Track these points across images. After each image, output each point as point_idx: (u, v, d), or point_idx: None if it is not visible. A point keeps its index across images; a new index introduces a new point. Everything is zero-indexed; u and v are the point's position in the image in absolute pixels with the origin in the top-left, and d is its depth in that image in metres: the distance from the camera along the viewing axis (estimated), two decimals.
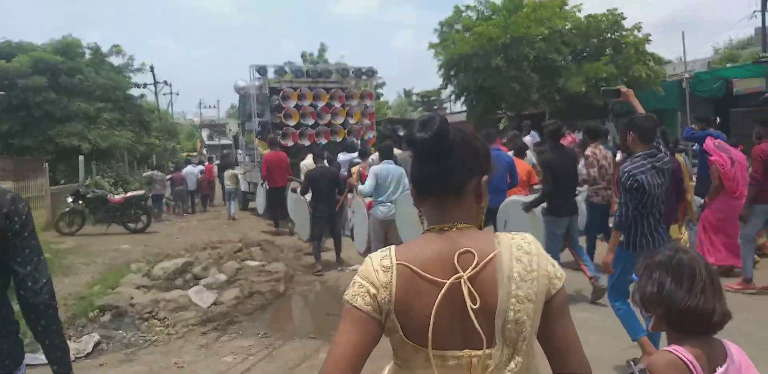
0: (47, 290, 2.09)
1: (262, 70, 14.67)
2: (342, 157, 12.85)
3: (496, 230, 8.12)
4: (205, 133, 62.95)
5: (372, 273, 1.43)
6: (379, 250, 1.50)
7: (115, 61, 24.07)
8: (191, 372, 4.89)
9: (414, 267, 1.41)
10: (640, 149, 4.12)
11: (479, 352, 1.39)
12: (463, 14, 17.31)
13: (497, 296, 1.38)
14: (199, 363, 5.10)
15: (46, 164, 15.21)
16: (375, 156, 9.89)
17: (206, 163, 23.34)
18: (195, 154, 47.26)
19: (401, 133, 22.56)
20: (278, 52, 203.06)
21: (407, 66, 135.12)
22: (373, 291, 1.41)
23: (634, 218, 4.10)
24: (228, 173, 17.51)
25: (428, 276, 1.40)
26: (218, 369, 4.90)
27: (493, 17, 16.60)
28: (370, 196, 7.44)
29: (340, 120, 15.14)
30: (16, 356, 2.16)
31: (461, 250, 1.41)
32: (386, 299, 1.41)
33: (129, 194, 13.83)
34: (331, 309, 6.78)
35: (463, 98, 16.95)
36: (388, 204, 7.28)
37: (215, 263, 9.29)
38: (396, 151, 9.72)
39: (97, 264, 10.04)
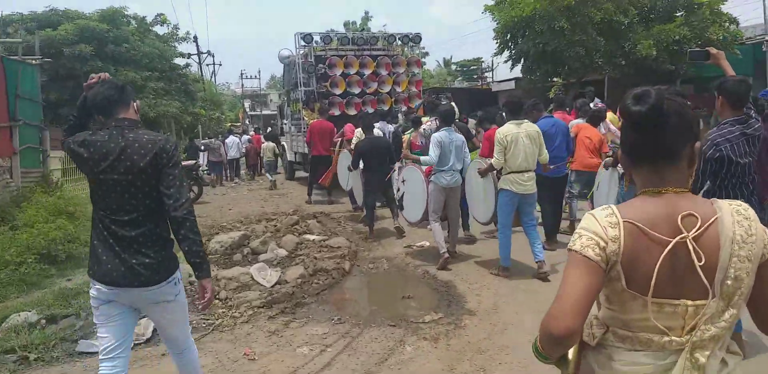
0: (186, 206, 2.78)
1: (307, 38, 14.16)
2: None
3: (576, 194, 7.96)
4: (247, 104, 62.89)
5: (599, 228, 1.58)
6: (600, 208, 1.64)
7: (160, 30, 23.57)
8: (263, 366, 4.27)
9: (640, 225, 1.56)
10: (730, 115, 3.78)
11: (696, 302, 1.54)
12: None
13: (719, 255, 1.52)
14: (271, 354, 4.49)
15: None
16: (427, 125, 9.30)
17: (252, 133, 23.11)
18: (238, 124, 47.09)
19: (444, 102, 22.21)
20: (318, 23, 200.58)
21: (445, 35, 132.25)
22: (602, 244, 1.56)
23: (719, 190, 3.74)
24: (266, 145, 17.49)
25: (654, 234, 1.55)
26: (294, 364, 4.28)
27: None
28: (434, 165, 6.93)
29: (386, 88, 14.60)
30: (171, 266, 2.93)
31: (684, 213, 1.56)
32: (615, 251, 1.56)
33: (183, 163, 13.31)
34: (405, 291, 6.15)
35: (520, 64, 15.83)
36: (452, 171, 6.85)
37: (273, 237, 8.77)
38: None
39: None
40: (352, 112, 13.89)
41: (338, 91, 14.00)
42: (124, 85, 3.03)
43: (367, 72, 14.28)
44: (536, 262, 6.24)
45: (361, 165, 8.80)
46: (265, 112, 69.35)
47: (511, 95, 7.65)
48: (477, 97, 24.59)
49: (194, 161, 14.03)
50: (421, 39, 15.12)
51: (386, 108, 14.44)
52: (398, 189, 8.11)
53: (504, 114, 7.43)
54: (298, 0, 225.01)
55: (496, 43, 15.86)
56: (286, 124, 17.10)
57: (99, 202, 2.87)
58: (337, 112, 14.05)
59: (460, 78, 52.72)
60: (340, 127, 12.18)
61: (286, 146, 16.79)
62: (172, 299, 2.97)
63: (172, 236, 2.87)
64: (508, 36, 15.44)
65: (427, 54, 36.34)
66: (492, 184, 6.70)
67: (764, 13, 15.92)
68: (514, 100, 6.64)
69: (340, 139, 11.41)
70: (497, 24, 15.45)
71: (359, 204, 9.92)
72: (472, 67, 56.15)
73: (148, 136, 2.85)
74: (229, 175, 19.66)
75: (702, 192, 3.75)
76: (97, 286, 2.86)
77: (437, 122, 8.51)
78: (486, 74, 47.82)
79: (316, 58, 14.10)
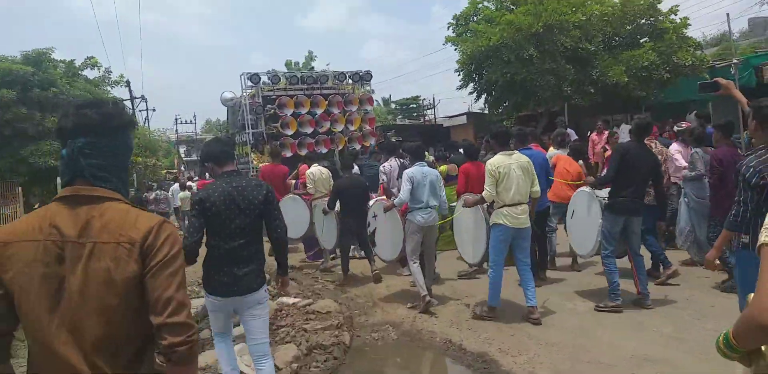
0: (282, 232, 3.93)
1: (254, 78, 13.58)
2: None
3: (554, 228, 7.62)
4: (182, 149, 60.75)
5: None
6: None
7: (90, 74, 21.75)
8: None
9: None
10: (764, 141, 3.57)
11: None
12: (479, 5, 15.45)
13: None
14: None
15: (20, 188, 12.90)
16: (388, 163, 8.63)
17: (197, 179, 21.85)
18: (174, 170, 44.84)
19: (393, 140, 21.43)
20: (257, 65, 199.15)
21: (380, 76, 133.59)
22: None
23: (755, 217, 3.44)
24: (181, 195, 16.67)
25: None
26: None
27: (511, 7, 14.79)
28: (407, 202, 6.49)
29: (339, 127, 14.09)
30: (262, 278, 3.92)
31: None
32: None
33: None
34: (432, 368, 4.81)
35: (483, 97, 14.97)
36: (428, 209, 6.44)
37: None
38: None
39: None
40: (305, 151, 13.03)
41: (290, 132, 13.37)
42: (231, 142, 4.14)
43: (319, 111, 13.72)
44: (528, 307, 5.75)
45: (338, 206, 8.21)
46: None
47: (495, 126, 7.31)
48: (429, 133, 23.91)
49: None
50: (371, 77, 14.71)
51: (340, 147, 13.84)
52: (368, 225, 7.59)
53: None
54: (231, 41, 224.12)
55: (459, 75, 15.01)
56: None
57: (219, 232, 3.73)
58: (289, 154, 13.28)
59: (400, 116, 52.49)
60: (293, 169, 10.80)
61: None
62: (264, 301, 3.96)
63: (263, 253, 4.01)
64: (473, 67, 14.57)
65: (373, 91, 35.38)
66: (482, 220, 6.33)
67: (730, 36, 15.75)
68: (503, 130, 6.35)
69: (294, 181, 10.22)
70: (460, 55, 14.64)
71: (325, 247, 9.01)
72: (411, 105, 56.31)
73: (255, 181, 3.91)
74: (179, 225, 18.06)
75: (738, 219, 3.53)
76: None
77: (398, 160, 8.41)
78: (428, 111, 47.65)
79: (264, 98, 13.44)
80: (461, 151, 9.69)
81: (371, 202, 7.81)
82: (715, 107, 15.34)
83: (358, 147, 14.38)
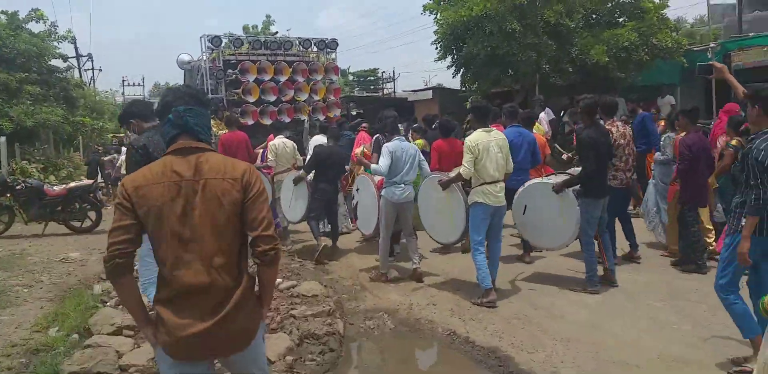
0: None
1: (216, 41, 12.77)
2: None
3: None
4: None
5: None
6: None
7: (35, 28, 20.13)
8: None
9: None
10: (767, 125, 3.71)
11: None
12: None
13: None
14: None
15: None
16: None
17: None
18: (121, 135, 42.94)
19: (354, 113, 20.85)
20: (212, 27, 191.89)
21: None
22: None
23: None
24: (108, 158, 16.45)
25: None
26: None
27: None
28: (383, 176, 6.41)
29: (303, 96, 13.51)
30: None
31: None
32: None
33: (73, 184, 10.63)
34: (441, 370, 4.36)
35: (462, 70, 14.41)
36: (402, 185, 6.34)
37: None
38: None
39: (43, 284, 7.11)
40: (267, 121, 12.70)
41: (251, 99, 12.77)
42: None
43: (283, 78, 13.10)
44: (485, 289, 5.59)
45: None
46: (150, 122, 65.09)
47: (475, 101, 6.99)
48: (392, 107, 23.30)
49: (92, 181, 11.34)
50: (337, 45, 14.19)
51: (303, 117, 13.27)
52: (353, 197, 7.65)
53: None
54: (182, 2, 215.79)
55: (437, 46, 14.36)
56: None
57: None
58: (250, 122, 12.78)
59: (357, 88, 51.62)
60: (254, 138, 10.15)
61: None
62: None
63: None
64: (452, 39, 13.91)
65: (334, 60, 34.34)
66: (459, 198, 6.01)
67: (708, 22, 15.59)
68: (482, 104, 6.17)
69: (261, 150, 9.51)
70: (438, 26, 13.95)
71: (291, 220, 8.48)
72: (369, 78, 55.46)
73: None
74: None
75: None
76: None
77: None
78: (387, 84, 46.94)
79: (225, 63, 12.77)
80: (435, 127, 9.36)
81: (360, 176, 7.61)
82: (683, 91, 15.32)
83: (322, 117, 13.87)
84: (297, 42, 14.23)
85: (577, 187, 5.86)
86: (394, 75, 46.06)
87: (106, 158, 17.34)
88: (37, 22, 19.82)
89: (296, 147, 8.83)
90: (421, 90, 25.36)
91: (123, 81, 59.08)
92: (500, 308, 5.49)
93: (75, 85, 24.51)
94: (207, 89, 12.76)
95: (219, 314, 2.30)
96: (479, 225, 5.69)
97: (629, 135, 6.78)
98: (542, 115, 12.41)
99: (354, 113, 19.59)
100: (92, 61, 39.48)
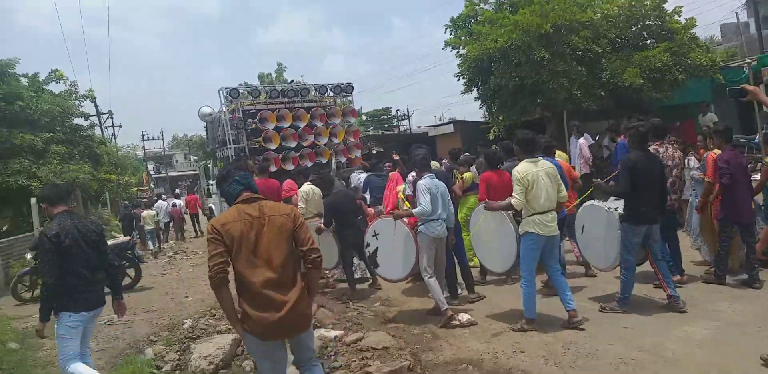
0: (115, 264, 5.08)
1: (233, 93, 12.95)
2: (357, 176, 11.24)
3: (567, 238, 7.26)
4: (150, 166, 58.69)
5: None
6: None
7: (55, 89, 20.16)
8: None
9: None
10: None
11: None
12: (477, 8, 14.62)
13: None
14: None
15: None
16: (411, 177, 7.18)
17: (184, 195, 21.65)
18: (145, 188, 42.94)
19: (374, 151, 20.59)
20: (227, 79, 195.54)
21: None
22: None
23: None
24: (146, 213, 17.04)
25: None
26: None
27: (509, 8, 13.98)
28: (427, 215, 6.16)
29: (323, 140, 13.58)
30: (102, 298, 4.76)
31: None
32: None
33: (110, 242, 10.24)
34: None
35: (485, 104, 14.04)
36: (440, 220, 6.24)
37: None
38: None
39: (91, 351, 6.61)
40: (290, 166, 12.72)
41: (273, 146, 12.83)
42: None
43: (302, 124, 13.24)
44: (568, 311, 5.63)
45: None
46: (171, 173, 65.70)
47: (520, 132, 6.28)
48: (413, 143, 23.02)
49: (128, 238, 10.95)
50: (353, 89, 14.22)
51: (324, 160, 13.36)
52: (368, 245, 7.09)
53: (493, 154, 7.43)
54: (193, 57, 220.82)
55: (462, 79, 14.03)
56: (212, 184, 15.87)
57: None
58: (273, 168, 12.73)
59: (371, 128, 51.71)
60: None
61: (213, 208, 15.80)
62: None
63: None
64: (477, 72, 13.62)
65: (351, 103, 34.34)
66: (510, 228, 6.07)
67: (741, 39, 15.24)
68: (528, 136, 5.94)
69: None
70: (461, 60, 13.68)
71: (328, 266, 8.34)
72: (382, 117, 55.69)
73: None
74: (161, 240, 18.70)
75: None
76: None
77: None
78: (403, 122, 46.95)
79: (244, 113, 12.92)
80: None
81: (377, 220, 7.15)
82: (718, 107, 14.85)
83: (343, 160, 13.87)
84: (313, 88, 14.37)
85: (620, 210, 5.93)
86: (408, 112, 46.05)
87: (137, 211, 17.45)
88: (57, 82, 19.89)
89: (321, 193, 8.57)
90: (441, 124, 25.11)
91: (143, 135, 59.86)
92: (599, 351, 4.90)
93: (99, 142, 24.52)
94: (228, 139, 12.89)
95: (286, 307, 3.37)
96: (529, 255, 5.65)
97: (678, 157, 6.80)
98: (581, 140, 12.00)
99: (374, 151, 19.78)
100: (112, 117, 39.78)
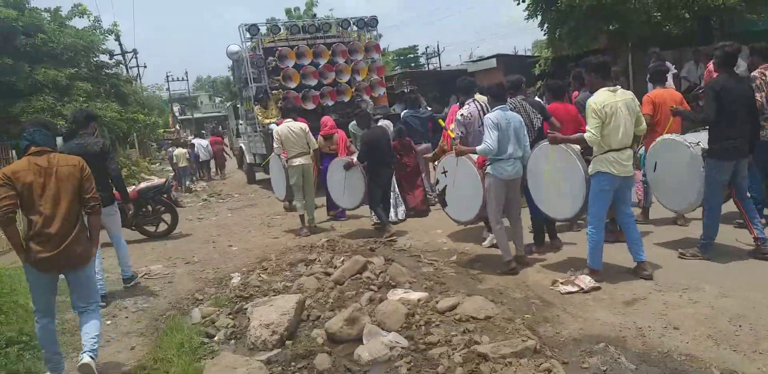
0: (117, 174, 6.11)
1: (252, 29, 12.21)
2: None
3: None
4: (176, 108, 57.54)
5: None
6: None
7: (79, 24, 18.78)
8: None
9: None
10: None
11: None
12: None
13: None
14: None
15: (13, 151, 10.40)
16: (466, 110, 6.47)
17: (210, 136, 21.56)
18: (172, 130, 41.87)
19: (406, 90, 19.23)
20: (255, 15, 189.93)
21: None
22: None
23: None
24: (179, 151, 17.09)
25: None
26: None
27: None
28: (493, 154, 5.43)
29: (345, 77, 12.69)
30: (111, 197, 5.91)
31: None
32: None
33: (143, 185, 9.16)
34: None
35: (558, 29, 12.32)
36: (512, 160, 5.49)
37: (343, 300, 5.07)
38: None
39: (127, 311, 5.62)
40: (310, 106, 12.03)
41: (293, 85, 12.15)
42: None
43: (323, 61, 12.39)
44: (637, 263, 5.08)
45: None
46: (197, 115, 64.46)
47: (590, 59, 5.33)
48: (452, 79, 21.46)
49: (164, 179, 9.81)
50: (377, 22, 13.14)
51: (347, 99, 12.58)
52: (437, 182, 6.44)
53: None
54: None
55: (522, 2, 12.22)
56: (241, 124, 15.26)
57: None
58: (311, 106, 12.29)
59: (397, 67, 49.77)
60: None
61: (244, 148, 15.23)
62: None
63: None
64: None
65: (381, 36, 32.42)
66: (578, 167, 5.11)
67: None
68: (601, 60, 5.16)
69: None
70: None
71: (345, 207, 8.48)
72: (409, 55, 53.56)
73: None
74: (203, 173, 19.73)
75: None
76: None
77: (477, 104, 6.46)
78: (434, 60, 44.84)
79: (266, 50, 12.21)
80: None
81: (444, 158, 6.46)
82: None
83: (367, 97, 12.93)
84: (335, 23, 13.37)
85: (704, 144, 5.22)
86: (438, 49, 43.79)
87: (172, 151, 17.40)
88: (80, 17, 18.50)
89: (307, 129, 8.21)
90: (481, 59, 23.33)
91: (167, 76, 58.40)
92: None
93: (125, 80, 23.27)
94: (249, 78, 12.17)
95: (61, 245, 3.83)
96: (601, 198, 4.96)
97: None
98: (668, 66, 10.41)
99: (407, 90, 18.68)
100: (137, 57, 38.31)
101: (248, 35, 12.26)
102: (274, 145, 8.25)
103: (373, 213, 8.03)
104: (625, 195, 5.12)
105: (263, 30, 12.49)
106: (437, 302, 4.67)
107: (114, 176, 5.97)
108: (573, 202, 5.29)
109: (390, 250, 6.80)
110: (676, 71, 10.52)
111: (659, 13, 10.88)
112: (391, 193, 8.34)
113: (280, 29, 12.78)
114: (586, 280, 4.88)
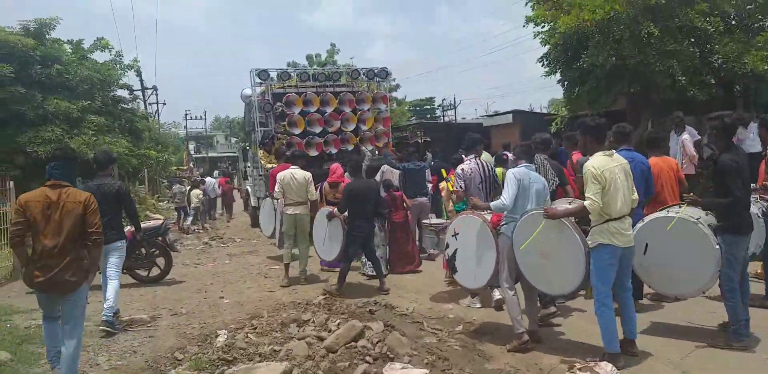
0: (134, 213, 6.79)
1: (263, 75, 12.27)
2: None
3: None
4: (191, 146, 57.79)
5: None
6: None
7: (100, 58, 18.79)
8: None
9: None
10: None
11: None
12: None
13: None
14: None
15: (11, 183, 9.98)
16: (466, 165, 6.38)
17: (202, 178, 21.70)
18: (184, 168, 41.82)
19: (420, 140, 19.07)
20: (275, 58, 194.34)
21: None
22: None
23: None
24: (194, 192, 17.33)
25: None
26: None
27: None
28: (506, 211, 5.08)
29: (350, 126, 12.62)
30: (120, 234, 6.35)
31: None
32: None
33: (142, 225, 8.69)
34: None
35: (577, 88, 12.08)
36: None
37: (328, 372, 4.47)
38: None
39: (99, 369, 5.02)
40: (313, 152, 11.96)
41: (297, 131, 12.09)
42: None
43: (329, 109, 12.37)
44: (628, 340, 4.71)
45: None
46: (212, 154, 64.69)
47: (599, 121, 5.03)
48: (465, 133, 21.16)
49: (161, 220, 9.34)
50: (387, 74, 13.15)
51: (350, 148, 12.45)
52: (447, 246, 5.77)
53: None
54: (242, 38, 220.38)
55: (544, 61, 12.02)
56: (248, 167, 15.30)
57: None
58: (314, 153, 12.11)
59: (413, 117, 50.09)
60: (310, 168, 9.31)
61: (249, 191, 15.03)
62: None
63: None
64: (566, 49, 11.59)
65: (398, 87, 32.62)
66: (575, 239, 4.61)
67: None
68: (597, 122, 4.86)
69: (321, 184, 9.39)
70: (545, 37, 11.62)
71: (324, 258, 8.18)
72: (425, 106, 53.93)
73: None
74: (211, 214, 19.79)
75: None
76: None
77: (479, 161, 6.42)
78: (448, 111, 44.95)
79: (274, 95, 12.23)
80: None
81: (458, 217, 5.81)
82: None
83: (370, 147, 12.79)
84: (346, 72, 13.42)
85: (711, 220, 4.89)
86: (454, 102, 43.91)
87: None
88: (102, 51, 18.52)
89: (310, 179, 8.16)
90: (498, 114, 23.09)
91: (186, 114, 58.93)
92: None
93: (141, 116, 23.17)
94: (256, 122, 12.18)
95: (53, 271, 4.20)
96: (605, 272, 4.54)
97: None
98: (685, 136, 9.98)
99: (421, 141, 18.87)
100: (157, 94, 38.62)
101: (258, 80, 12.30)
102: (276, 189, 8.13)
103: (364, 265, 8.06)
104: (628, 267, 4.76)
105: (274, 75, 12.52)
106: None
107: (130, 215, 6.69)
108: (571, 278, 4.76)
109: (391, 314, 6.21)
110: (699, 137, 10.08)
111: (684, 78, 10.53)
112: (385, 247, 8.33)
113: (290, 76, 12.80)
114: (607, 369, 4.26)
